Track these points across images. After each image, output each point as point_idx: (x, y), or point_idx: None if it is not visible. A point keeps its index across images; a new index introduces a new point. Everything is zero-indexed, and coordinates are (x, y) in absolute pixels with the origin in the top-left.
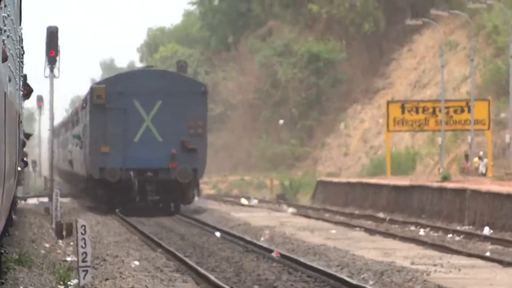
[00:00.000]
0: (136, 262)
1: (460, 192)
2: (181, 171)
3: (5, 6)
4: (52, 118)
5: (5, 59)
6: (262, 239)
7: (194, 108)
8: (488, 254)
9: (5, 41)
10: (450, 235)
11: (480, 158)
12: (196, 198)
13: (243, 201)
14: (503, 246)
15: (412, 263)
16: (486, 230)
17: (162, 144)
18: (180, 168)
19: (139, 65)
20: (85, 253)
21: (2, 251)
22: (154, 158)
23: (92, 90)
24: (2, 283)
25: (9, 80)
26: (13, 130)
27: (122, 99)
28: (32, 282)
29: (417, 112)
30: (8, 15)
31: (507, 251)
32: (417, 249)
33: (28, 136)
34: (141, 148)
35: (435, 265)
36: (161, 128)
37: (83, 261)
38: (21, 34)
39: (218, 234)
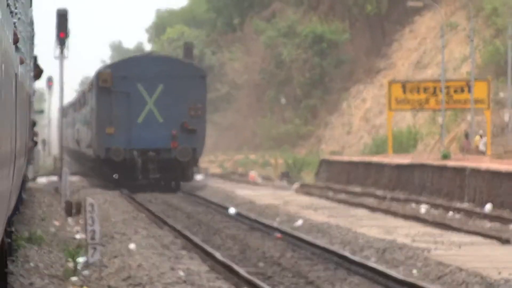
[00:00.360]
0: (133, 245)
1: (460, 170)
2: (181, 150)
3: None
4: (61, 98)
5: (16, 41)
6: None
7: (193, 91)
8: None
9: (16, 24)
10: (450, 213)
11: (481, 136)
12: (199, 177)
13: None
14: (502, 223)
15: (413, 241)
16: (487, 208)
17: (164, 125)
18: (180, 147)
19: (147, 46)
20: (94, 231)
21: (12, 229)
22: (156, 139)
23: (98, 74)
24: (13, 261)
25: (21, 62)
26: (23, 111)
27: (126, 83)
28: (42, 260)
29: (418, 92)
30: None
31: (505, 228)
32: (418, 226)
33: (40, 112)
34: (144, 129)
35: (435, 242)
36: (163, 110)
37: (92, 238)
38: (32, 16)
39: (232, 210)
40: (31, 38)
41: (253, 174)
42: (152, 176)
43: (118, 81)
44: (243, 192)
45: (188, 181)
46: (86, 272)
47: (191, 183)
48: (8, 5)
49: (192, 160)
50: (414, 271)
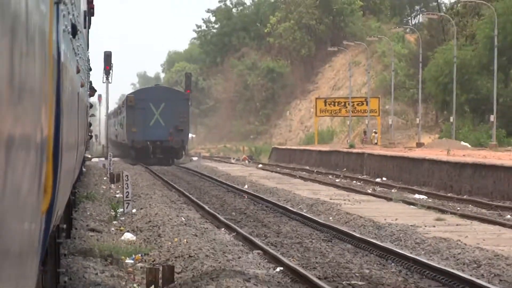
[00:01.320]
0: (130, 235)
1: (361, 154)
2: (175, 141)
3: (77, 38)
4: (107, 109)
5: (78, 71)
6: (246, 186)
7: (181, 107)
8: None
9: (78, 60)
10: (354, 182)
11: (375, 133)
12: (195, 158)
13: (232, 160)
14: (387, 188)
15: (330, 199)
16: (378, 179)
17: (165, 127)
18: (174, 140)
19: (162, 75)
20: (128, 192)
21: (76, 191)
22: (160, 134)
23: (127, 97)
24: (76, 211)
25: (81, 86)
26: (83, 116)
27: (143, 103)
28: (95, 210)
29: (334, 104)
30: (80, 44)
31: (389, 191)
32: (334, 190)
33: (93, 116)
34: (153, 129)
35: (344, 200)
36: (164, 118)
37: (126, 197)
38: (88, 55)
39: (246, 186)
40: (88, 69)
41: (245, 156)
42: (158, 156)
43: (139, 101)
44: (223, 168)
45: (179, 159)
46: (122, 218)
47: (190, 162)
48: (73, 48)
49: (181, 147)
50: (331, 218)
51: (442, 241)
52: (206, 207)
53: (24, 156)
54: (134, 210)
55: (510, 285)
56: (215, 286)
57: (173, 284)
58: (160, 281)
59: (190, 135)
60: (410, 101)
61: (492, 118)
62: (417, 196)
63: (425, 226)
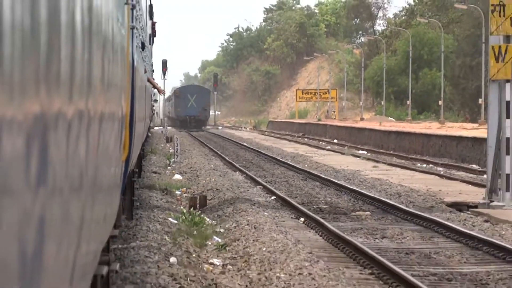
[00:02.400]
0: (178, 176)
1: (325, 125)
2: (201, 116)
3: (145, 51)
4: (164, 96)
5: (145, 71)
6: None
7: (205, 97)
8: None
9: (145, 65)
10: (321, 142)
11: (334, 112)
12: (220, 127)
13: (243, 128)
14: (341, 147)
15: (306, 153)
16: (335, 140)
17: (196, 108)
18: (201, 115)
19: (199, 75)
20: (177, 148)
21: (144, 147)
22: (193, 112)
23: (174, 91)
24: (144, 160)
25: (147, 81)
26: (148, 100)
27: (184, 94)
28: (156, 160)
29: (308, 94)
30: (146, 55)
31: (343, 148)
32: (307, 148)
33: (155, 101)
34: (189, 109)
35: (314, 154)
36: (196, 103)
37: (176, 151)
38: (152, 62)
39: (279, 158)
40: (151, 70)
41: (251, 127)
42: (192, 124)
43: (181, 93)
44: (237, 133)
45: (205, 126)
46: (173, 165)
47: (215, 130)
48: (142, 58)
49: (205, 119)
50: (306, 165)
51: (376, 180)
52: (227, 158)
53: (111, 125)
54: (182, 160)
55: (419, 208)
56: (232, 208)
57: (205, 207)
58: (198, 205)
59: (216, 112)
60: (356, 91)
61: (408, 102)
62: (360, 152)
63: (366, 171)
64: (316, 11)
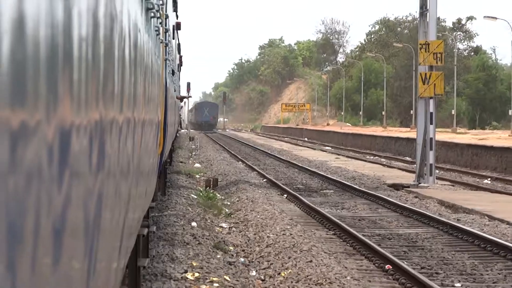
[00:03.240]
0: (198, 165)
1: (301, 129)
2: (212, 121)
3: (174, 76)
4: (187, 107)
5: (174, 90)
6: (249, 143)
7: (215, 109)
8: (310, 145)
9: (175, 86)
10: (299, 141)
11: (307, 119)
12: (228, 130)
13: (243, 131)
14: (313, 144)
15: (288, 148)
16: (307, 139)
17: (208, 116)
18: (212, 121)
19: (212, 93)
20: (197, 144)
21: (174, 144)
22: (207, 119)
23: (195, 104)
24: (174, 153)
25: (176, 97)
26: (177, 111)
27: (201, 108)
28: (182, 153)
29: (290, 106)
30: (176, 78)
31: (314, 145)
32: (289, 145)
33: (180, 108)
34: (204, 117)
35: (294, 149)
36: (208, 113)
37: (196, 147)
38: (180, 83)
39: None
40: (179, 90)
41: (250, 129)
42: (206, 127)
43: (199, 106)
44: (240, 134)
45: (214, 129)
46: (194, 157)
47: (224, 132)
48: (172, 81)
49: (214, 124)
50: (288, 157)
51: (338, 168)
52: (232, 152)
53: (151, 128)
54: (200, 153)
55: (368, 187)
56: (236, 187)
57: (217, 187)
58: (211, 185)
59: (225, 119)
60: (323, 105)
61: (360, 113)
62: (326, 147)
63: (330, 161)
64: (295, 48)
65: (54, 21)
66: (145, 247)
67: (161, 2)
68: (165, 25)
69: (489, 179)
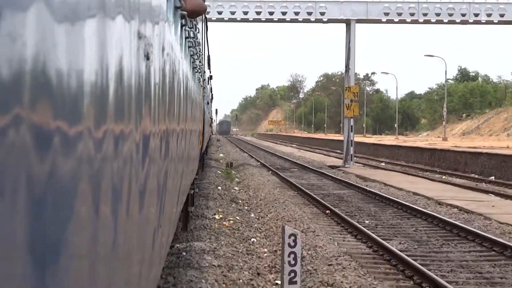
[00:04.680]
0: (221, 154)
1: (279, 135)
2: (227, 131)
3: (209, 104)
4: (216, 121)
5: (209, 113)
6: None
7: (229, 124)
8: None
9: (209, 111)
10: (277, 142)
11: (283, 130)
12: (240, 135)
13: (247, 137)
14: (285, 143)
15: (272, 145)
16: (288, 143)
17: (225, 128)
18: (227, 130)
19: (230, 114)
20: (220, 143)
21: (208, 143)
22: (225, 129)
23: (219, 121)
24: (208, 149)
25: (210, 117)
26: (210, 124)
27: (221, 123)
28: (212, 149)
29: (273, 122)
30: (210, 106)
31: (286, 144)
32: (272, 144)
33: (211, 121)
34: (223, 128)
35: (275, 146)
36: (225, 127)
37: (220, 145)
38: (211, 109)
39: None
40: (211, 112)
41: (252, 135)
42: (224, 134)
43: (221, 123)
44: (245, 138)
45: (228, 135)
46: (219, 150)
47: (235, 137)
48: (208, 108)
49: (228, 132)
50: (271, 150)
51: (300, 156)
52: (240, 147)
53: (195, 134)
54: (222, 149)
55: (317, 167)
56: (243, 167)
57: (232, 167)
58: (229, 166)
59: (236, 129)
60: (291, 121)
61: (312, 126)
62: (293, 145)
63: (296, 153)
64: (276, 89)
65: (140, 73)
66: (191, 200)
67: (201, 64)
68: (203, 76)
69: (383, 163)
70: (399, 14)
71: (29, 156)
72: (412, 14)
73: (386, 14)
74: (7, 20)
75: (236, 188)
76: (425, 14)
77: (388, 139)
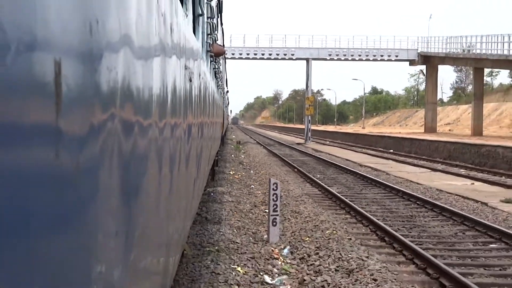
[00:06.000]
0: (233, 136)
1: (266, 125)
2: (236, 122)
3: (228, 108)
4: (230, 117)
5: (228, 113)
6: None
7: (237, 119)
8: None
9: (228, 112)
10: (266, 129)
11: (269, 122)
12: (246, 126)
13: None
14: (272, 129)
15: (263, 131)
16: (277, 132)
17: (236, 120)
18: (237, 122)
19: (238, 112)
20: (232, 131)
21: (225, 130)
22: (235, 122)
23: (232, 117)
24: (225, 134)
25: (224, 103)
26: (226, 118)
27: (234, 118)
28: (228, 135)
29: (264, 118)
30: (228, 109)
31: (273, 131)
32: (265, 131)
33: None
34: (234, 121)
35: (265, 132)
36: (236, 120)
37: (232, 130)
38: (228, 105)
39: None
40: (228, 106)
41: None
42: (234, 124)
43: (233, 118)
44: (248, 127)
45: (237, 124)
46: (232, 134)
47: (241, 127)
48: (226, 110)
49: (237, 123)
50: (264, 134)
51: (280, 138)
52: (244, 132)
53: (219, 124)
54: (234, 133)
55: (290, 144)
56: (246, 143)
57: (240, 144)
58: (239, 143)
59: (242, 122)
60: (275, 117)
61: (287, 120)
62: (275, 131)
63: (277, 136)
64: (265, 98)
65: (186, 89)
66: (216, 163)
67: (222, 83)
68: (223, 90)
69: (328, 141)
70: (337, 55)
71: (133, 136)
72: (344, 55)
73: (330, 55)
74: (107, 59)
75: (242, 156)
76: (352, 55)
77: (330, 128)
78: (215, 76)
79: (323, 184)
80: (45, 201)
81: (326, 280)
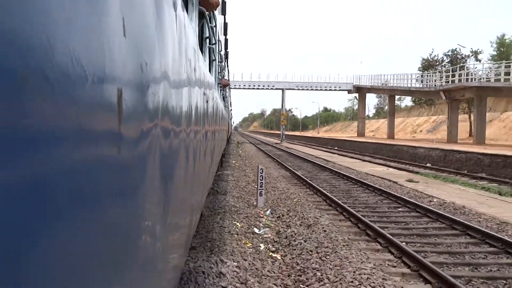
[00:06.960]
0: (235, 139)
1: (256, 131)
2: (237, 129)
3: (232, 120)
4: (232, 126)
5: (232, 124)
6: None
7: (238, 127)
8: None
9: (231, 119)
10: (258, 134)
11: (257, 130)
12: (245, 132)
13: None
14: (264, 135)
15: (255, 136)
16: (269, 138)
17: (237, 128)
18: (238, 129)
19: (239, 122)
20: (235, 134)
21: (230, 134)
22: (236, 129)
23: (234, 126)
24: (230, 137)
25: (229, 116)
26: (230, 127)
27: (235, 127)
28: (232, 138)
29: (254, 126)
30: (230, 117)
31: (261, 135)
32: (258, 136)
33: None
34: (235, 129)
35: (257, 137)
36: (236, 128)
37: (234, 136)
38: (231, 110)
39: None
40: (230, 115)
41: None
42: (236, 131)
43: (235, 127)
44: (245, 133)
45: (237, 131)
46: (233, 137)
47: (240, 132)
48: (230, 121)
49: (237, 130)
50: (257, 138)
51: (267, 140)
52: (242, 136)
53: (225, 131)
54: (234, 137)
55: (271, 144)
56: (243, 144)
57: (240, 144)
58: (238, 143)
59: (240, 129)
60: (262, 127)
61: (269, 128)
62: (262, 135)
63: (264, 139)
64: (255, 114)
65: (204, 108)
66: (223, 156)
67: (228, 103)
68: (229, 108)
69: (296, 142)
70: (302, 87)
71: (169, 139)
72: (306, 87)
73: (297, 86)
74: (152, 88)
75: (240, 151)
76: (311, 86)
77: (297, 133)
78: (223, 99)
79: (292, 169)
80: (113, 182)
81: (293, 231)
